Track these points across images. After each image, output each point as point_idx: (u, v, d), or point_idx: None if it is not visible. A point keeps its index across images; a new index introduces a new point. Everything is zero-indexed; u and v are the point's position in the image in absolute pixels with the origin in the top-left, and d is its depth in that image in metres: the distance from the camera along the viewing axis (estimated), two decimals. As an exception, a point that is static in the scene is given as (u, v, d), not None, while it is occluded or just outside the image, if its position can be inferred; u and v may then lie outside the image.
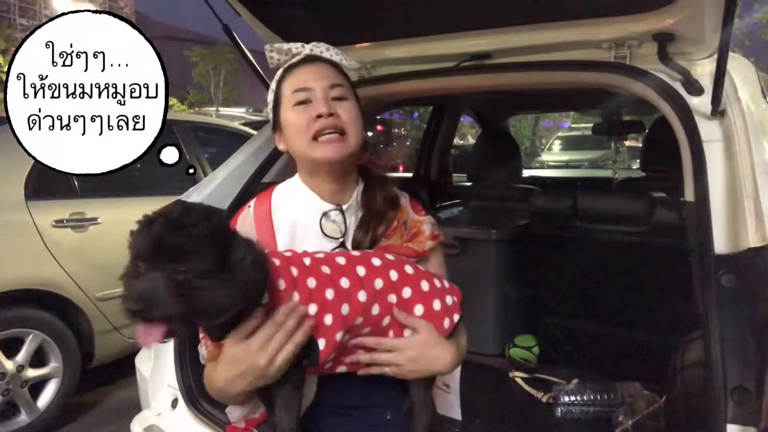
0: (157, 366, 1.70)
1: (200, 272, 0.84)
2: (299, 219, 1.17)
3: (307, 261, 1.05)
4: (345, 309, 1.02)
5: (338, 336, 1.01)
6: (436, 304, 1.09)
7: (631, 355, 2.12)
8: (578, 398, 1.96)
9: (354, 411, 1.16)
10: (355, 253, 1.12)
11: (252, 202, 1.23)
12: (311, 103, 1.13)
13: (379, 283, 1.06)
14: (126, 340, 3.05)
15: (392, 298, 1.07)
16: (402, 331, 1.09)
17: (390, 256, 1.12)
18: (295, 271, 1.02)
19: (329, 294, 1.01)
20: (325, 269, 1.04)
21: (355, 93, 1.21)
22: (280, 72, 1.20)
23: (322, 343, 1.00)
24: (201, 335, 1.13)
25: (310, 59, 1.18)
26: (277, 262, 1.02)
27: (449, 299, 1.12)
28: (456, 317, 1.11)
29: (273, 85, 1.21)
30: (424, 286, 1.10)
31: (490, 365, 2.33)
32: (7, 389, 2.61)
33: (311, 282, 1.01)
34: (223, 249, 0.87)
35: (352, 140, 1.14)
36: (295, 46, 1.19)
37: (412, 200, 1.26)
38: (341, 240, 1.17)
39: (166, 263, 0.83)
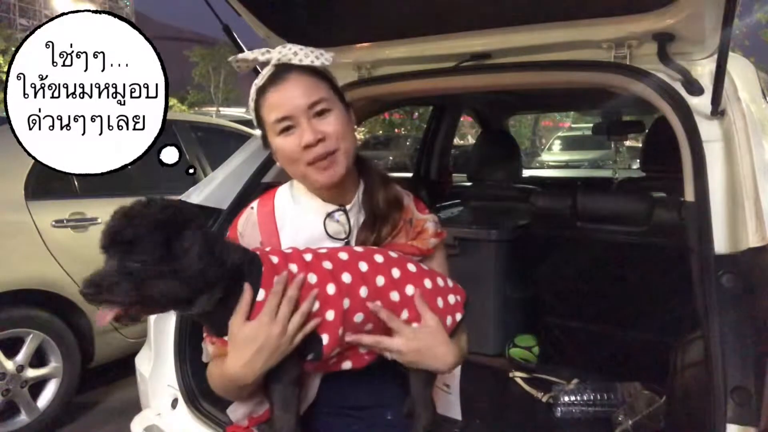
0: (157, 366, 1.70)
1: (148, 261, 0.89)
2: (303, 220, 1.17)
3: (308, 257, 1.05)
4: (346, 303, 1.02)
5: (340, 331, 1.02)
6: (439, 302, 1.10)
7: (631, 355, 2.12)
8: (578, 398, 1.96)
9: (355, 411, 1.16)
10: (358, 249, 1.12)
11: (255, 203, 1.22)
12: (295, 128, 1.07)
13: (380, 280, 1.06)
14: (126, 340, 3.05)
15: (395, 295, 1.06)
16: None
17: (393, 254, 1.12)
18: (294, 268, 1.02)
19: (330, 289, 1.02)
20: (327, 264, 1.04)
21: (337, 90, 1.13)
22: (253, 93, 1.12)
23: (325, 339, 1.01)
24: (205, 333, 1.13)
25: (281, 72, 1.08)
26: (275, 259, 1.03)
27: (452, 298, 1.12)
28: (458, 316, 1.12)
29: (251, 106, 1.14)
30: (427, 284, 1.10)
31: (490, 365, 2.33)
32: (7, 389, 2.60)
33: (312, 278, 1.02)
34: (168, 240, 0.91)
35: (346, 154, 1.10)
36: (260, 53, 1.11)
37: (415, 199, 1.26)
38: (346, 240, 1.17)
39: (118, 253, 0.90)
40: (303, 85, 1.08)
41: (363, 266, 1.06)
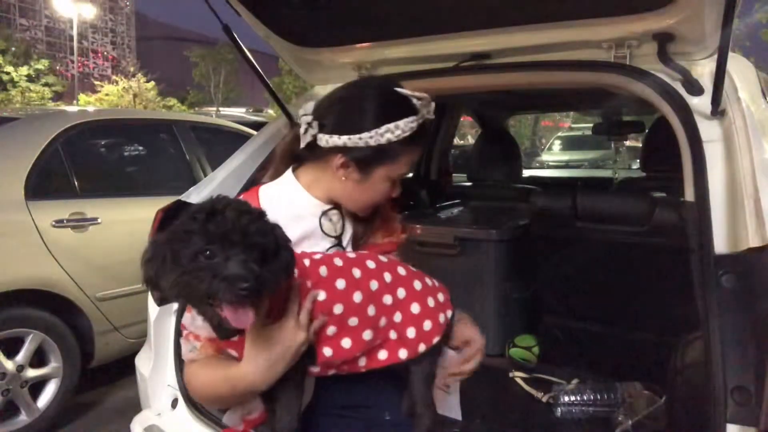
0: (157, 366, 1.70)
1: (271, 251, 0.91)
2: (293, 219, 1.16)
3: (306, 262, 1.06)
4: (338, 309, 1.03)
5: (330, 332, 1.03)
6: (430, 302, 1.12)
7: (631, 355, 2.12)
8: (578, 398, 1.96)
9: (353, 411, 1.16)
10: (351, 255, 1.14)
11: None
12: (396, 182, 1.18)
13: (374, 285, 1.08)
14: (126, 340, 3.05)
15: (387, 299, 1.08)
16: (402, 329, 1.09)
17: (383, 258, 1.15)
18: (295, 272, 1.02)
19: (321, 296, 1.03)
20: (323, 270, 1.06)
21: None
22: (399, 133, 1.09)
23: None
24: (185, 331, 1.08)
25: (424, 130, 1.15)
26: None
27: (441, 296, 1.15)
28: (449, 313, 1.14)
29: (393, 136, 1.09)
30: (417, 285, 1.12)
31: (490, 365, 2.33)
32: (7, 389, 2.60)
33: (308, 284, 1.03)
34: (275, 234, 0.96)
35: None
36: (429, 103, 1.14)
37: None
38: (337, 238, 1.19)
39: (248, 248, 0.88)
40: None
41: (356, 272, 1.08)
